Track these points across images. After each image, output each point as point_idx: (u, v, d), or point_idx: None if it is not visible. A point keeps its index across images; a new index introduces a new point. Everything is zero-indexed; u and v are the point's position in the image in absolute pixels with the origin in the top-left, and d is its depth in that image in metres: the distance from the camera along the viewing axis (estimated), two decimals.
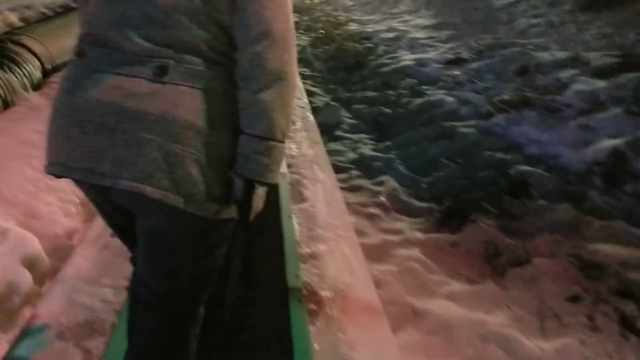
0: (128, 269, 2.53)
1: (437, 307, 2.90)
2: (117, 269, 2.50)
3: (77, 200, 3.25)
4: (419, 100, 6.34)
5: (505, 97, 5.73)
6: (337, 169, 4.63)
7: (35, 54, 5.21)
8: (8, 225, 2.61)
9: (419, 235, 3.74)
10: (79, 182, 1.34)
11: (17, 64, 4.82)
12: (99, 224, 2.93)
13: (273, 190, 3.36)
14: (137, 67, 1.20)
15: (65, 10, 7.95)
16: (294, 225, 2.97)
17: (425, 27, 9.97)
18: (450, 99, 6.13)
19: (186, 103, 1.20)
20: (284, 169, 3.77)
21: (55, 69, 5.51)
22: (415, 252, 3.49)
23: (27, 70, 4.91)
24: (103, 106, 1.18)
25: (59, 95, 1.29)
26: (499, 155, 4.69)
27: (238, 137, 1.27)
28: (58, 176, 1.28)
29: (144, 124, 1.17)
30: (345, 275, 2.53)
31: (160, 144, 1.17)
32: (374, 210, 4.10)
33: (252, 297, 2.31)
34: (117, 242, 2.78)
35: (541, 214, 3.81)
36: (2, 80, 4.39)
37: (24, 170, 3.19)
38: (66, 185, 3.34)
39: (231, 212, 1.33)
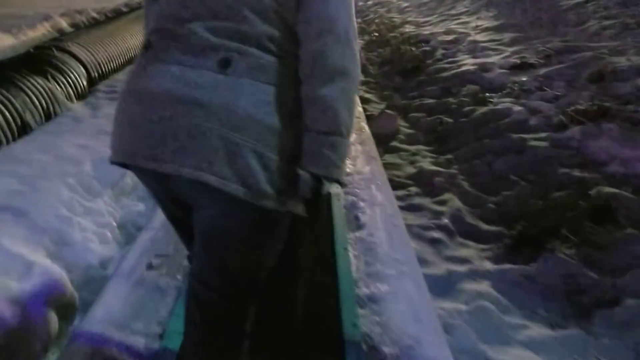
0: (162, 311, 2.26)
1: (516, 358, 2.51)
2: (151, 311, 2.22)
3: (114, 224, 2.99)
4: (482, 109, 5.88)
5: (580, 106, 5.22)
6: (394, 185, 4.26)
7: (81, 62, 5.03)
8: (35, 257, 2.35)
9: (488, 265, 3.35)
10: (140, 172, 1.36)
11: (62, 73, 4.63)
12: (135, 253, 2.66)
13: (326, 216, 3.03)
14: (202, 59, 1.23)
15: (116, 15, 7.82)
16: (350, 259, 2.62)
17: (486, 30, 9.47)
18: (517, 107, 5.65)
19: (248, 95, 1.22)
20: (337, 189, 3.42)
21: (102, 76, 5.33)
22: (485, 286, 3.10)
23: (71, 79, 4.71)
24: (167, 96, 1.22)
25: (125, 85, 1.34)
26: (576, 173, 4.22)
27: (300, 132, 1.28)
28: (121, 164, 1.32)
29: (207, 114, 1.19)
30: (411, 325, 2.16)
31: (222, 134, 1.19)
32: (436, 234, 3.72)
33: (301, 352, 1.98)
34: (152, 276, 2.52)
35: (631, 244, 3.34)
36: (45, 90, 4.20)
37: (59, 191, 2.95)
38: (103, 206, 3.10)
39: (289, 206, 1.32)
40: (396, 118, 6.20)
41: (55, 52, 4.86)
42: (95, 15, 8.38)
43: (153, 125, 1.22)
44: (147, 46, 1.33)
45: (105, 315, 2.15)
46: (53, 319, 2.17)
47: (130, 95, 1.30)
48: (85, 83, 4.94)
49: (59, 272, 2.34)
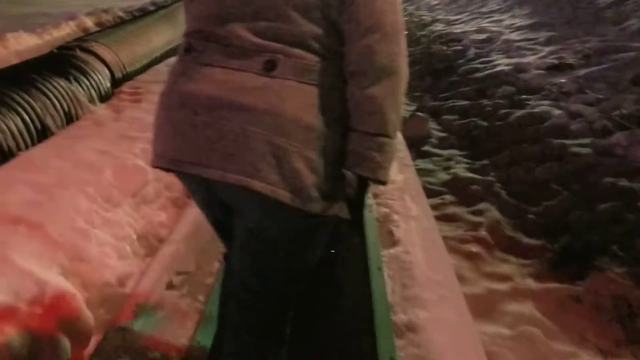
0: (185, 336, 2.10)
1: None
2: (171, 336, 2.05)
3: (134, 236, 2.83)
4: (519, 112, 5.60)
5: (624, 110, 4.93)
6: (428, 193, 4.04)
7: (105, 63, 4.89)
8: (48, 275, 2.20)
9: (531, 283, 3.12)
10: (183, 175, 1.37)
11: (85, 74, 4.49)
12: (155, 269, 2.50)
13: (357, 231, 2.82)
14: (246, 62, 1.20)
15: (143, 14, 7.70)
16: (385, 280, 2.42)
17: (520, 28, 9.16)
18: (557, 111, 5.36)
19: (294, 97, 1.19)
20: (369, 199, 3.22)
21: (127, 77, 5.19)
22: (529, 307, 2.89)
23: (94, 80, 4.56)
24: (212, 100, 1.19)
25: (166, 89, 1.31)
26: (623, 182, 3.94)
27: (347, 133, 1.25)
28: (165, 169, 1.30)
29: (252, 118, 1.17)
30: (455, 359, 1.96)
31: (268, 138, 1.16)
32: (474, 247, 3.50)
33: None
34: (172, 297, 2.35)
35: None
36: (67, 92, 4.06)
37: (77, 201, 2.79)
38: (123, 216, 2.95)
39: (335, 210, 1.28)
40: (427, 121, 5.98)
41: (79, 53, 4.73)
42: (121, 14, 8.32)
43: (198, 130, 1.20)
44: (187, 49, 1.30)
45: (120, 342, 2.00)
46: (65, 344, 2.01)
47: (172, 100, 1.28)
48: (108, 85, 4.80)
49: (72, 291, 2.18)
